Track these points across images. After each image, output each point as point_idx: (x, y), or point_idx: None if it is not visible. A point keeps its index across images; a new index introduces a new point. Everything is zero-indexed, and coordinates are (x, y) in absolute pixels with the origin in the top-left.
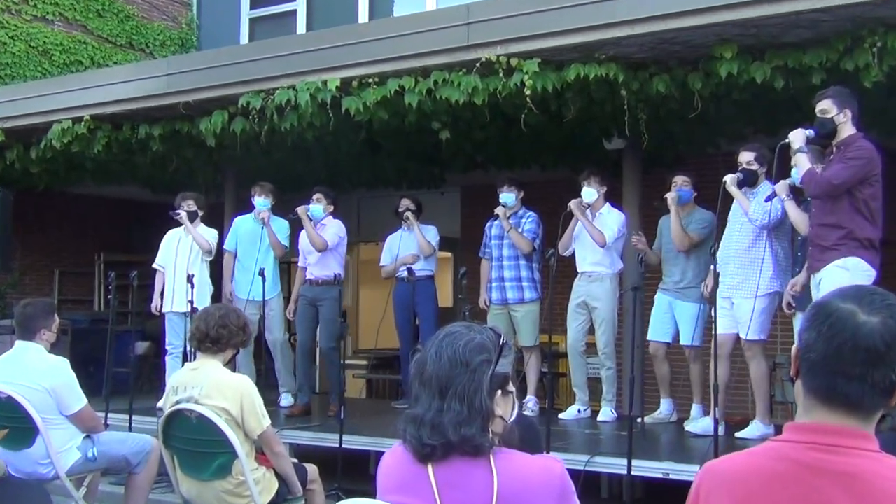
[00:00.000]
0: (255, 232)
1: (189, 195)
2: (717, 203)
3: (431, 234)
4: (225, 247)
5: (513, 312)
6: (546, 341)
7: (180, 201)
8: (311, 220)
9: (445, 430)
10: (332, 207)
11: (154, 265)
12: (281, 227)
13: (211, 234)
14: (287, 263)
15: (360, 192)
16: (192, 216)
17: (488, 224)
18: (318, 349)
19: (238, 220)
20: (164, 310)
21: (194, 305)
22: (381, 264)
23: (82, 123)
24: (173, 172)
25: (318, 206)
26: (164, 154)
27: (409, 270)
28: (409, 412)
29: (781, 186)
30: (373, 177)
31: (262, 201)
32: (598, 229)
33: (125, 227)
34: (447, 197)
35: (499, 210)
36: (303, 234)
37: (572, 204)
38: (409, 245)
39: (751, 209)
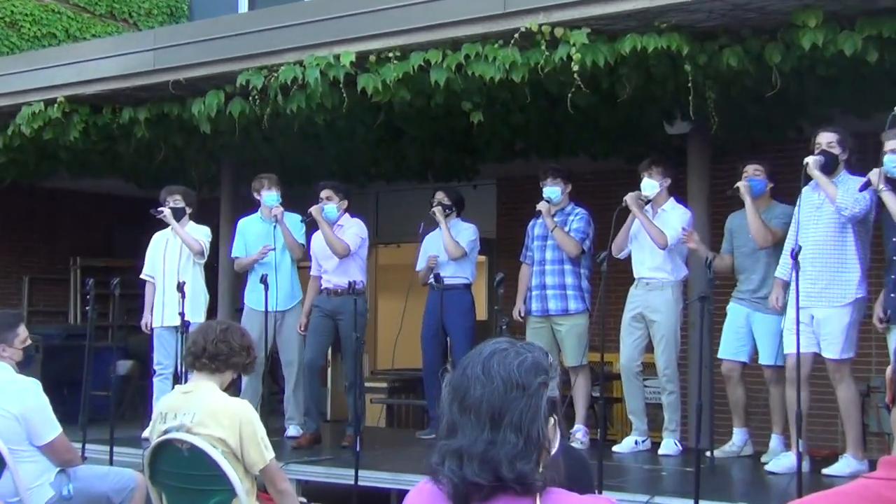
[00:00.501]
0: (266, 233)
1: (175, 189)
2: (799, 194)
3: (465, 234)
4: (234, 254)
5: (555, 326)
6: (596, 360)
7: (165, 197)
8: (326, 220)
9: (498, 466)
10: (345, 203)
11: (143, 275)
12: (294, 223)
13: (202, 233)
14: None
15: (379, 185)
16: (178, 214)
17: (530, 223)
18: (328, 369)
19: (243, 222)
20: (152, 324)
21: (186, 318)
22: (417, 269)
23: (56, 106)
24: (161, 163)
25: (330, 206)
26: (151, 142)
27: (437, 277)
28: (450, 444)
29: (876, 175)
30: (393, 168)
31: (271, 196)
32: (658, 228)
33: (105, 227)
34: (481, 191)
35: (542, 206)
36: (316, 236)
37: (629, 198)
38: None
39: (838, 197)
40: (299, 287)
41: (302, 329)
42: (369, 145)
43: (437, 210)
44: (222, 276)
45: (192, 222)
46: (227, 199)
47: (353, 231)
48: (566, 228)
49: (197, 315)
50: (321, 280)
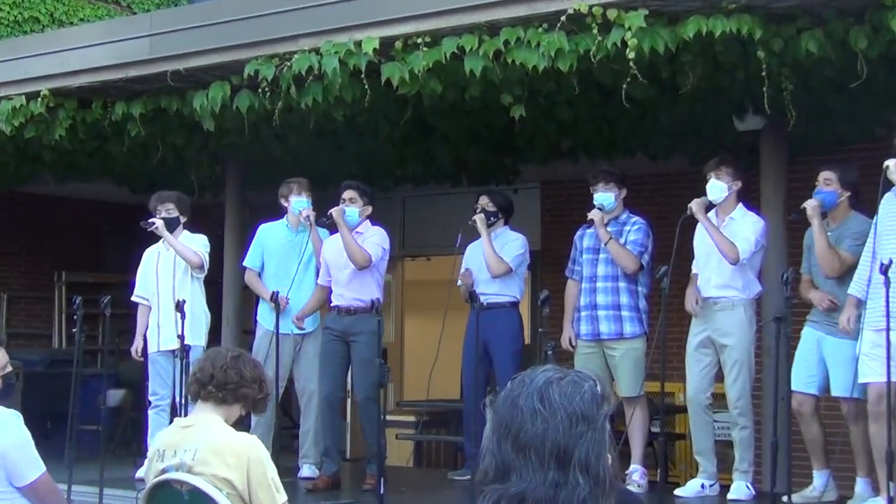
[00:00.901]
0: (291, 241)
1: (167, 196)
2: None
3: (512, 247)
4: (247, 263)
5: (609, 352)
6: (656, 391)
7: (156, 205)
8: (346, 224)
9: None
10: (369, 209)
11: (134, 297)
12: (324, 235)
13: (199, 242)
14: None
15: (405, 189)
16: (171, 224)
17: (578, 233)
18: (348, 400)
19: (265, 228)
20: (147, 349)
21: (186, 341)
22: (458, 284)
23: (39, 100)
24: (158, 165)
25: (352, 209)
26: (147, 140)
27: (472, 295)
28: (506, 489)
29: None
30: (422, 170)
31: (300, 201)
32: (728, 240)
33: (94, 237)
34: (523, 196)
35: (594, 214)
36: (330, 242)
37: (694, 205)
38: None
39: None
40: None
41: (298, 316)
42: (394, 144)
43: (479, 218)
44: (227, 293)
45: (186, 231)
46: (233, 206)
47: (375, 240)
48: (621, 240)
49: (198, 338)
50: (331, 295)
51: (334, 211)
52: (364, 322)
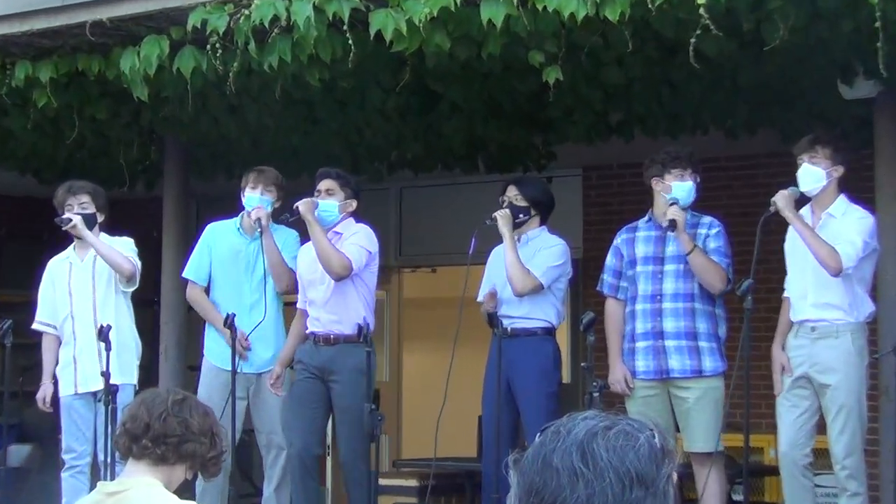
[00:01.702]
0: (243, 249)
1: (81, 188)
2: None
3: (547, 255)
4: (186, 274)
5: (678, 394)
6: (738, 446)
7: (66, 199)
8: (319, 222)
9: None
10: (352, 204)
11: (37, 324)
12: (288, 241)
13: (126, 246)
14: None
15: (402, 178)
16: (88, 221)
17: (622, 237)
18: (327, 458)
19: (213, 227)
20: (60, 392)
21: (112, 380)
22: (478, 300)
23: None
24: (74, 146)
25: (330, 203)
26: (59, 114)
27: (491, 318)
28: None
29: None
30: (425, 151)
31: (253, 197)
32: (826, 244)
33: None
34: (559, 186)
35: (672, 211)
36: (305, 250)
37: (779, 199)
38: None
39: None
40: (285, 335)
41: (272, 381)
42: (388, 118)
43: (502, 215)
44: (166, 316)
45: (104, 234)
46: (174, 199)
47: (357, 241)
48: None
49: (128, 375)
50: (307, 318)
51: (302, 204)
52: (348, 355)
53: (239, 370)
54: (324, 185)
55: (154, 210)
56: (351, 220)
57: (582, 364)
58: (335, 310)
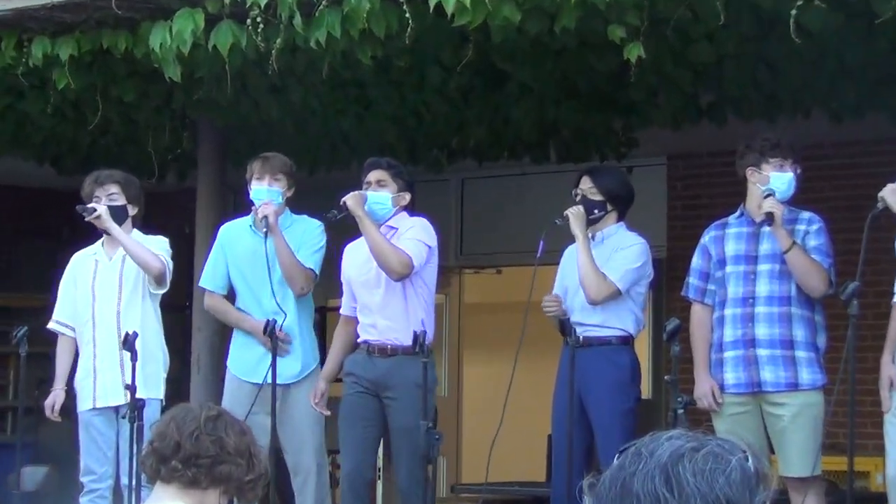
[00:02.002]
0: (260, 248)
1: (109, 176)
2: None
3: (626, 255)
4: (202, 282)
5: (772, 411)
6: (841, 470)
7: (93, 189)
8: (371, 218)
9: None
10: (406, 197)
11: (53, 323)
12: (309, 231)
13: (159, 245)
14: (320, 310)
15: (464, 167)
16: (116, 216)
17: (711, 234)
18: (378, 482)
19: (226, 228)
20: (77, 407)
21: (138, 394)
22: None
23: None
24: (97, 133)
25: (381, 195)
26: (82, 96)
27: (563, 325)
28: None
29: None
30: (489, 138)
31: (260, 189)
32: None
33: (1, 239)
34: (641, 176)
35: (768, 203)
36: (352, 249)
37: (888, 194)
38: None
39: None
40: (315, 343)
41: (316, 400)
42: (449, 100)
43: (574, 213)
44: (199, 324)
45: (137, 231)
46: (209, 192)
47: (414, 235)
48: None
49: (153, 388)
50: (358, 327)
51: (350, 198)
52: (408, 367)
53: (264, 381)
54: (373, 175)
55: (186, 203)
56: (405, 213)
57: (665, 377)
58: (393, 315)
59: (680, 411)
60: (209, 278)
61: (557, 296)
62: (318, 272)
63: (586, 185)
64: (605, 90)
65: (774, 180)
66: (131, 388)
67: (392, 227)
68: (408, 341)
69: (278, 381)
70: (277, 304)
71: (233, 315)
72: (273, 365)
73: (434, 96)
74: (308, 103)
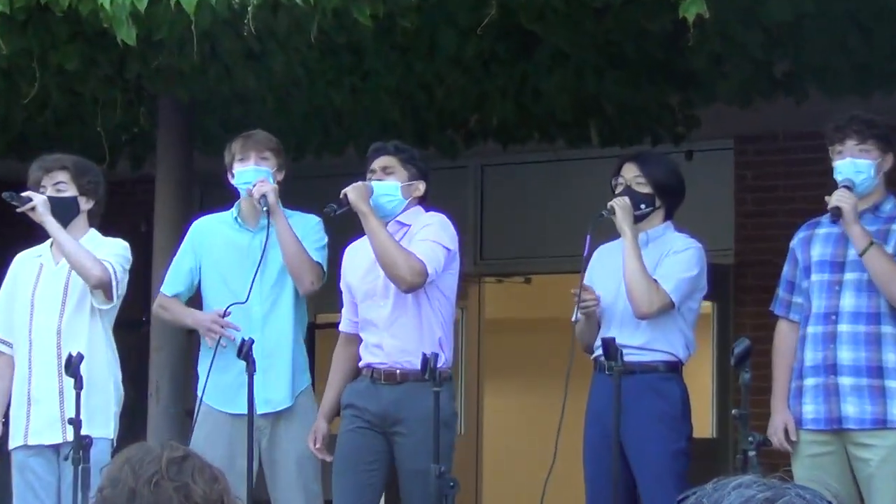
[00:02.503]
0: (246, 245)
1: (57, 162)
2: None
3: (678, 261)
4: (164, 288)
5: (857, 453)
6: None
7: (39, 175)
8: (376, 213)
9: None
10: (420, 187)
11: None
12: (307, 229)
13: (113, 250)
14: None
15: (485, 151)
16: (64, 210)
17: (800, 235)
18: None
19: (199, 225)
20: (9, 443)
21: (84, 430)
22: (573, 320)
23: None
24: (34, 108)
25: (389, 185)
26: (14, 64)
27: (607, 346)
28: None
29: None
30: (516, 116)
31: (249, 170)
32: None
33: None
34: (703, 163)
35: (841, 199)
36: (353, 251)
37: None
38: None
39: None
40: (306, 361)
41: (317, 445)
42: (467, 70)
43: (621, 207)
44: (160, 341)
45: (94, 231)
46: (170, 181)
47: (430, 234)
48: (887, 247)
49: (101, 424)
50: (365, 347)
51: (352, 190)
52: (422, 397)
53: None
54: (380, 162)
55: (143, 196)
56: (419, 208)
57: (733, 411)
58: (403, 333)
59: (751, 453)
60: (168, 283)
61: (591, 287)
62: (325, 269)
63: (631, 173)
64: (658, 57)
65: (844, 167)
66: (75, 422)
67: (403, 224)
68: (416, 365)
69: (263, 411)
70: (281, 307)
71: (176, 310)
72: (250, 393)
73: (448, 65)
74: (292, 73)
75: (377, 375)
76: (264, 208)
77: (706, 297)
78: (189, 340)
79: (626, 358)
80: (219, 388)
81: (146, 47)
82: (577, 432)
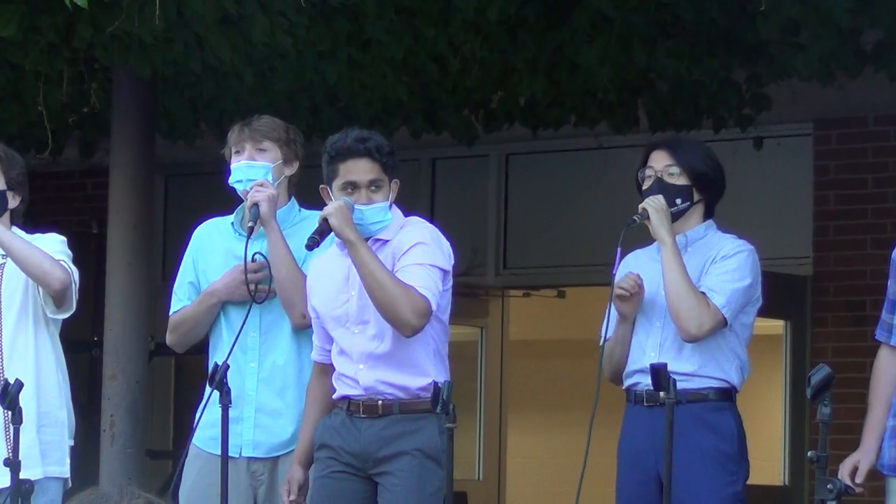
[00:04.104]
0: (239, 254)
1: None
2: None
3: (727, 269)
4: (172, 310)
5: None
6: None
7: None
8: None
9: None
10: (394, 187)
11: None
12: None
13: (54, 246)
14: None
15: (510, 137)
16: None
17: None
18: None
19: (203, 230)
20: None
21: (24, 474)
22: (600, 343)
23: None
24: None
25: (378, 207)
26: None
27: (657, 374)
28: None
29: None
30: (549, 95)
31: (241, 166)
32: None
33: None
34: (775, 152)
35: None
36: (318, 266)
37: None
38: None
39: None
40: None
41: (291, 497)
42: (488, 38)
43: (656, 209)
44: (115, 367)
45: (17, 228)
46: (127, 173)
47: (422, 256)
48: None
49: (58, 462)
50: (337, 377)
51: (334, 214)
52: (411, 431)
53: (239, 454)
54: (362, 173)
55: (94, 189)
56: (397, 211)
57: (809, 453)
58: (386, 361)
59: (830, 503)
60: (175, 302)
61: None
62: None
63: (661, 162)
64: (721, 24)
65: None
66: (14, 462)
67: (380, 241)
68: (408, 394)
69: (260, 454)
70: (285, 331)
71: (189, 314)
72: (224, 433)
73: (465, 32)
74: (276, 43)
75: (353, 409)
76: (250, 222)
77: (776, 315)
78: (151, 367)
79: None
80: (205, 426)
81: (99, 10)
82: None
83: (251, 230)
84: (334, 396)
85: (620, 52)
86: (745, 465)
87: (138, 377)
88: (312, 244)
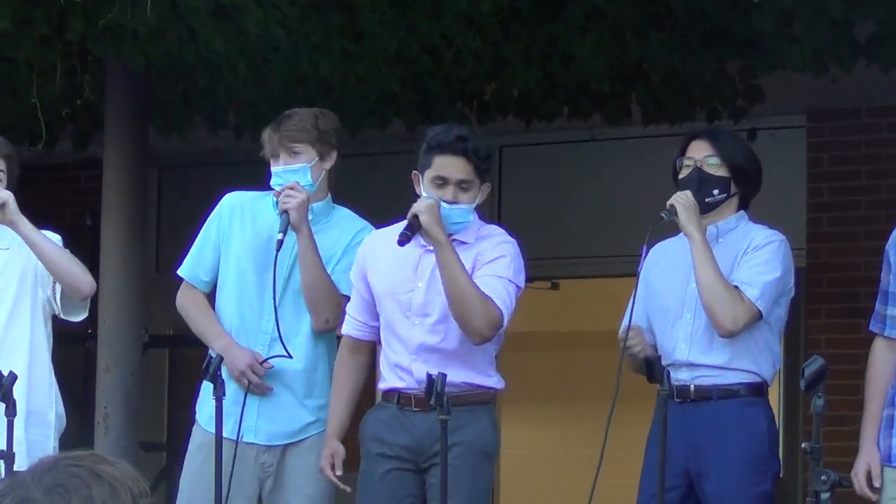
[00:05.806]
0: (273, 244)
1: (3, 147)
2: None
3: (760, 260)
4: (181, 272)
5: None
6: None
7: None
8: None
9: None
10: (486, 190)
11: None
12: (346, 232)
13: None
14: None
15: (503, 129)
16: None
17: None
18: None
19: (235, 198)
20: None
21: (15, 464)
22: (619, 335)
23: None
24: None
25: (464, 209)
26: None
27: (650, 366)
28: None
29: None
30: (543, 87)
31: (279, 171)
32: None
33: None
34: (767, 145)
35: None
36: (383, 242)
37: None
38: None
39: None
40: (327, 380)
41: (337, 471)
42: (482, 29)
43: (684, 206)
44: (110, 359)
45: (22, 216)
46: (121, 166)
47: (502, 269)
48: None
49: (41, 455)
50: (388, 366)
51: (424, 212)
52: (469, 422)
53: (248, 439)
54: (454, 170)
55: (87, 182)
56: (476, 219)
57: (803, 445)
58: (441, 355)
59: (824, 495)
60: (189, 266)
61: (639, 328)
62: (351, 297)
63: (701, 152)
64: (714, 16)
65: None
66: (8, 454)
67: (462, 242)
68: (460, 389)
69: (270, 443)
70: (280, 335)
71: (201, 322)
72: (218, 421)
73: (458, 23)
74: (270, 34)
75: (404, 402)
76: (280, 233)
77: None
78: (145, 359)
79: (697, 381)
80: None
81: (92, 2)
82: (622, 477)
83: (280, 243)
84: (382, 388)
85: (614, 44)
86: (775, 463)
87: (132, 369)
88: (404, 240)
